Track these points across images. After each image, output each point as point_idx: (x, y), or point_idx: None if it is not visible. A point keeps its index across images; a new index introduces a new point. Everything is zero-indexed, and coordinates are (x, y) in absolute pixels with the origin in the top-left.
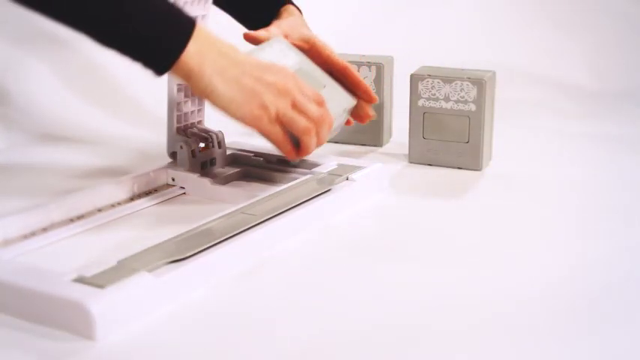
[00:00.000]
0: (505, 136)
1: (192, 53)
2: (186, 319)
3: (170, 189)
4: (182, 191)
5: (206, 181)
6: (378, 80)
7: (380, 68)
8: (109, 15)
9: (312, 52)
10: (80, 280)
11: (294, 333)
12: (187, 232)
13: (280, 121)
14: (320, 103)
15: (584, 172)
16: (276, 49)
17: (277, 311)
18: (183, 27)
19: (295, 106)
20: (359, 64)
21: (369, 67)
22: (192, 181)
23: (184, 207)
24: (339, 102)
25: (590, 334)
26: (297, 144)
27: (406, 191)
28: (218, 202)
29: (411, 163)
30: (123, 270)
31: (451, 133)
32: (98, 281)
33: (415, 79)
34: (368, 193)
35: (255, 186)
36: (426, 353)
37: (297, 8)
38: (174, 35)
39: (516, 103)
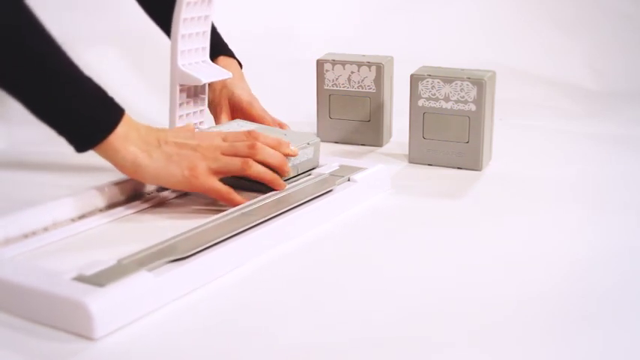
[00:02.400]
0: (505, 136)
1: (119, 135)
2: (185, 318)
3: (169, 190)
4: (156, 200)
5: None
6: (378, 80)
7: (380, 68)
8: (42, 92)
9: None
10: (80, 278)
11: (295, 333)
12: (187, 231)
13: (215, 172)
14: (253, 136)
15: (584, 172)
16: (234, 124)
17: (277, 311)
18: (114, 111)
19: (224, 153)
20: (359, 64)
21: (369, 67)
22: None
23: (184, 207)
24: (300, 137)
25: (590, 334)
26: (265, 186)
27: (406, 191)
28: (217, 203)
29: (411, 163)
30: (123, 269)
31: (451, 133)
32: (98, 280)
33: (415, 79)
34: (369, 194)
35: (256, 186)
36: (426, 353)
37: (237, 61)
38: (105, 117)
39: (516, 103)
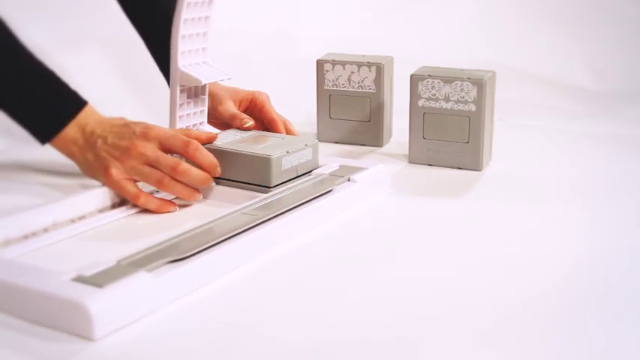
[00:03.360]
0: (505, 136)
1: (65, 136)
2: (185, 318)
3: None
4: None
5: None
6: (378, 80)
7: (380, 68)
8: (5, 84)
9: (252, 105)
10: (79, 279)
11: (294, 334)
12: (187, 232)
13: (130, 178)
14: (187, 145)
15: (584, 172)
16: (231, 131)
17: (277, 312)
18: (72, 104)
19: (147, 162)
20: (359, 65)
21: (369, 67)
22: None
23: (185, 208)
24: (298, 139)
25: (590, 334)
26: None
27: (406, 191)
28: (217, 203)
29: (411, 163)
30: (122, 269)
31: (451, 133)
32: (97, 281)
33: (415, 79)
34: (369, 194)
35: (255, 187)
36: (427, 353)
37: None
38: (61, 111)
39: (516, 103)
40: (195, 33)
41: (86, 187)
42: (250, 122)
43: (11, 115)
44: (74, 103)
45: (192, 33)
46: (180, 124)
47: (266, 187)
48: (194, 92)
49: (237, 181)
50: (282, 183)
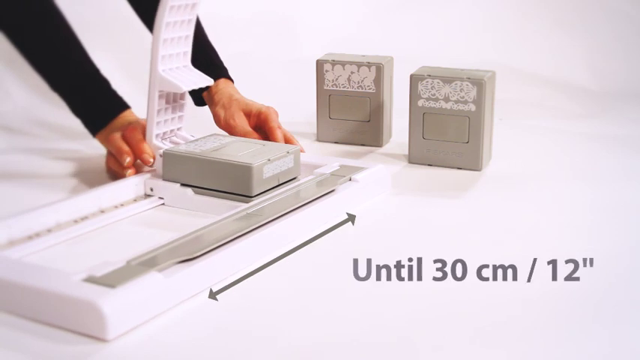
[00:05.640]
0: (505, 136)
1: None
2: (195, 318)
3: (148, 199)
4: (161, 202)
5: (188, 191)
6: (378, 80)
7: (380, 68)
8: (65, 77)
9: (259, 122)
10: (91, 280)
11: (297, 331)
12: (194, 231)
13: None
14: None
15: (584, 172)
16: (210, 137)
17: (286, 311)
18: (117, 106)
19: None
20: (359, 65)
21: (369, 67)
22: (173, 191)
23: (185, 209)
24: (279, 147)
25: (590, 334)
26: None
27: (406, 191)
28: (200, 213)
29: (411, 163)
30: (132, 270)
31: (451, 133)
32: (108, 281)
33: (415, 79)
34: (370, 194)
35: (235, 197)
36: (427, 353)
37: (230, 79)
38: (108, 111)
39: (516, 103)
40: (177, 37)
41: (88, 188)
42: None
43: (69, 105)
44: (119, 105)
45: (173, 37)
46: (157, 130)
47: (246, 197)
48: (172, 97)
49: (217, 190)
50: (263, 192)
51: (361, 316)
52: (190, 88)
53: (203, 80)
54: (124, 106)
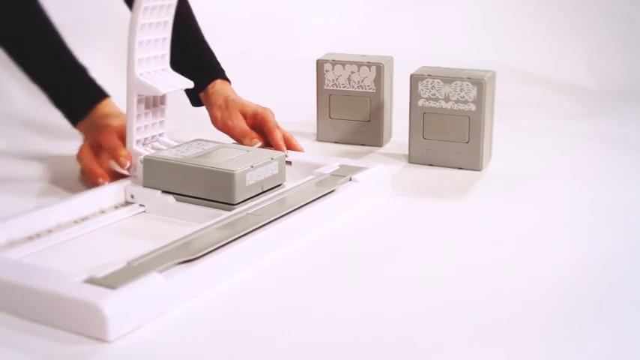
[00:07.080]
0: (505, 136)
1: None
2: (196, 319)
3: (128, 207)
4: (142, 209)
5: (169, 198)
6: (378, 80)
7: (380, 68)
8: (44, 67)
9: (256, 122)
10: (91, 281)
11: (297, 331)
12: (194, 232)
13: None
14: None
15: (584, 172)
16: (193, 143)
17: (283, 310)
18: (95, 95)
19: (99, 146)
20: (359, 64)
21: (369, 67)
22: (154, 198)
23: (166, 216)
24: (264, 153)
25: (590, 334)
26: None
27: (406, 191)
28: (180, 221)
29: (411, 163)
30: (133, 271)
31: (451, 133)
32: (109, 282)
33: (415, 79)
34: (371, 194)
35: (217, 205)
36: (427, 353)
37: (227, 80)
38: (86, 100)
39: (516, 103)
40: (153, 39)
41: (88, 189)
42: (259, 143)
43: (48, 96)
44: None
45: (150, 39)
46: (138, 136)
47: (229, 205)
48: (152, 102)
49: (198, 198)
50: (246, 200)
51: (361, 316)
52: (168, 91)
53: (182, 83)
54: (101, 94)
